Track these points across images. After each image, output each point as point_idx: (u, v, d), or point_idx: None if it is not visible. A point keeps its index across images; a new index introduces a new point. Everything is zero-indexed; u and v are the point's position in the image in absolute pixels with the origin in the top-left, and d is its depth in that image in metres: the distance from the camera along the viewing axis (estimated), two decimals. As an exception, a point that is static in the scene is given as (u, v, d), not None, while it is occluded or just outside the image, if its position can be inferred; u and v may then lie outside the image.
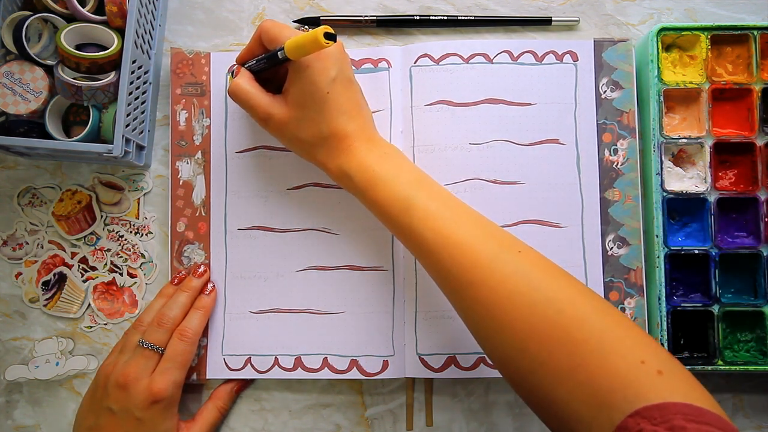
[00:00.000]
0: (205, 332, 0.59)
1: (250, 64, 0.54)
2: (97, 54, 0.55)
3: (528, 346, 0.43)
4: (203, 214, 0.61)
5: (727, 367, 0.56)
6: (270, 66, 0.53)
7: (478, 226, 0.49)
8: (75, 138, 0.56)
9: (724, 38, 0.59)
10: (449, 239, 0.48)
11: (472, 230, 0.48)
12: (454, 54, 0.60)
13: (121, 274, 0.61)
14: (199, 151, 0.61)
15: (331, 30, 0.46)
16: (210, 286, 0.59)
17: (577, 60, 0.60)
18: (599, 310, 0.43)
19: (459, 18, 0.62)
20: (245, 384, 0.60)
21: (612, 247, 0.58)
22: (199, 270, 0.59)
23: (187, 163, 0.61)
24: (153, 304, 0.58)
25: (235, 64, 0.56)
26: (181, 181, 0.61)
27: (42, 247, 0.62)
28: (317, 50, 0.48)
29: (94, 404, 0.54)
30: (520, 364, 0.44)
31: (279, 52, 0.50)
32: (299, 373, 0.59)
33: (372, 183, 0.51)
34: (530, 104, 0.59)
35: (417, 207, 0.49)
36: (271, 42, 0.52)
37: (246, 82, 0.53)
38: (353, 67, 0.60)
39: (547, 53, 0.60)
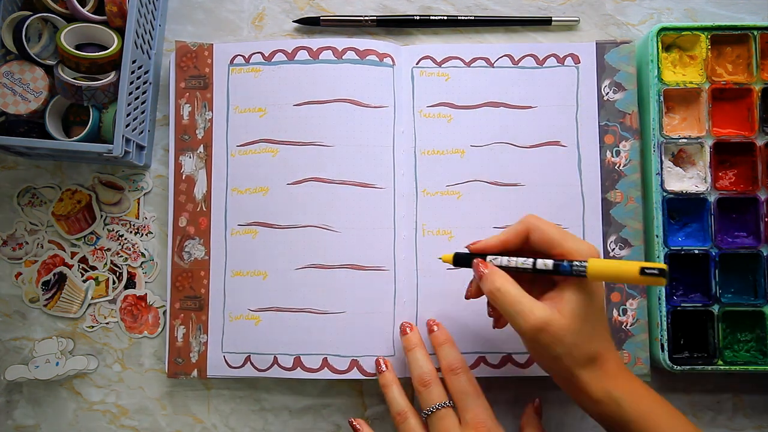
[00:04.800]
0: (205, 328, 0.60)
1: (509, 264, 0.49)
2: (97, 54, 0.55)
3: None
4: (204, 209, 0.61)
5: (727, 367, 0.56)
6: (538, 274, 0.48)
7: None
8: (75, 138, 0.56)
9: (724, 38, 0.59)
10: None
11: None
12: (456, 57, 0.60)
13: (121, 274, 0.61)
14: (202, 145, 0.61)
15: (663, 267, 0.43)
16: (435, 325, 0.57)
17: (579, 62, 0.60)
18: None
19: (459, 18, 0.62)
20: None
21: (614, 249, 0.58)
22: (407, 327, 0.57)
23: (190, 157, 0.61)
24: (388, 394, 0.55)
25: (463, 251, 0.52)
26: (183, 176, 0.61)
27: (42, 247, 0.62)
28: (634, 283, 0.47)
29: None
30: None
31: (574, 268, 0.46)
32: (298, 373, 0.59)
33: (646, 415, 0.47)
34: (531, 107, 0.60)
35: None
36: (546, 244, 0.48)
37: (509, 282, 0.48)
38: (357, 57, 0.60)
39: (549, 56, 0.60)
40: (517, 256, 0.49)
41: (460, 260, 0.52)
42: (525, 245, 0.50)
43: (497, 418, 0.60)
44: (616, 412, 0.48)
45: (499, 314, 0.53)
